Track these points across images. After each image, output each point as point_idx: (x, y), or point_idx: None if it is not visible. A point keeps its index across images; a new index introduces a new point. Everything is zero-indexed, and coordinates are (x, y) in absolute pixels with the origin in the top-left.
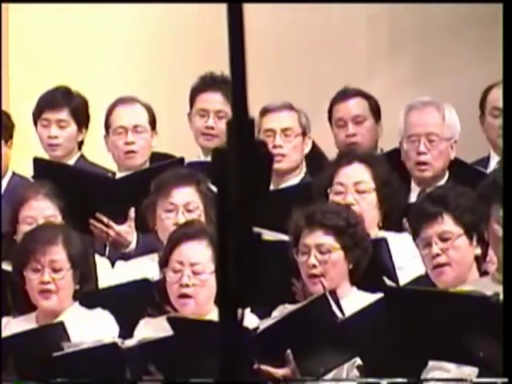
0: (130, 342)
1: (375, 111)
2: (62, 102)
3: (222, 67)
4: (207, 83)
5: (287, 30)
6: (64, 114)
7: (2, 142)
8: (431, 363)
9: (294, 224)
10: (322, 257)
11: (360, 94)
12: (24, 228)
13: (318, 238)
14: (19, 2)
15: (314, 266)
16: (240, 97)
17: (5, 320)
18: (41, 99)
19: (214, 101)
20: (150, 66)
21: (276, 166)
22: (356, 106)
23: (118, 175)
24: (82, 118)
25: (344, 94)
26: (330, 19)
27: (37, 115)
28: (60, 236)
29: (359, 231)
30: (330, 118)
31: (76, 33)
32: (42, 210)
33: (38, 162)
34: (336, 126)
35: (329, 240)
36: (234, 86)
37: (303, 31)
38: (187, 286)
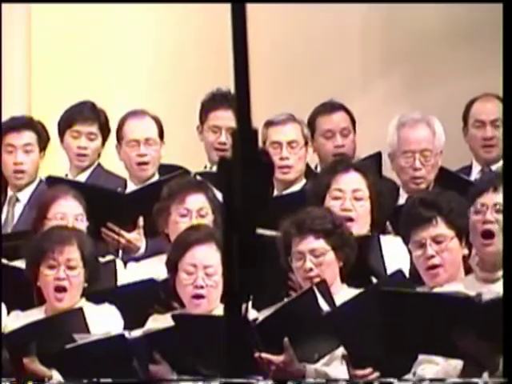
0: (136, 333)
1: (354, 125)
2: (93, 116)
3: (226, 82)
4: (218, 101)
5: (282, 43)
6: (94, 128)
7: (37, 149)
8: (421, 357)
9: (284, 232)
10: (317, 260)
11: (343, 108)
12: (54, 224)
13: (310, 243)
14: (20, 3)
15: (311, 270)
16: (244, 109)
17: (14, 314)
18: (70, 112)
19: (226, 118)
20: (154, 76)
21: (283, 176)
22: (343, 119)
23: (129, 183)
24: (105, 132)
25: (331, 108)
26: (324, 31)
27: (66, 126)
28: (74, 237)
29: (345, 231)
30: (311, 128)
31: (85, 43)
32: (72, 208)
33: (51, 179)
34: (323, 137)
35: (320, 243)
36: (238, 99)
37: (297, 44)
38: (202, 287)
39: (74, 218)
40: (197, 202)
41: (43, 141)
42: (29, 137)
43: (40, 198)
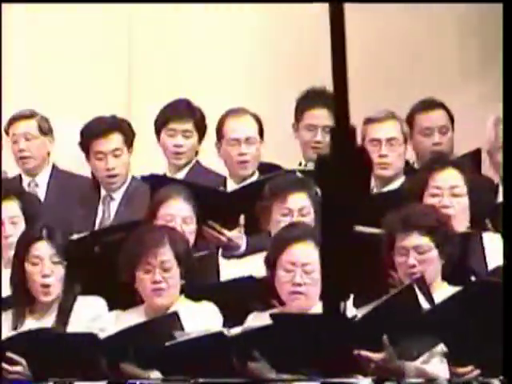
0: (235, 330)
1: (452, 123)
2: (187, 113)
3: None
4: (313, 99)
5: (380, 40)
6: (190, 125)
7: (125, 149)
8: None
9: (389, 227)
10: (421, 256)
11: (442, 105)
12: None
13: (415, 239)
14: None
15: (414, 266)
16: (342, 107)
17: (115, 313)
18: (165, 110)
19: (322, 117)
20: (251, 74)
21: (382, 173)
22: (442, 117)
23: (229, 181)
24: (202, 129)
25: (430, 105)
26: (421, 29)
27: (162, 125)
28: (166, 237)
29: (449, 229)
30: (409, 126)
31: (184, 41)
32: (181, 210)
33: (154, 177)
34: (421, 135)
35: (425, 240)
36: (337, 97)
37: (395, 42)
38: (300, 284)
39: (183, 221)
40: (298, 200)
41: (130, 139)
42: (116, 141)
43: (141, 196)
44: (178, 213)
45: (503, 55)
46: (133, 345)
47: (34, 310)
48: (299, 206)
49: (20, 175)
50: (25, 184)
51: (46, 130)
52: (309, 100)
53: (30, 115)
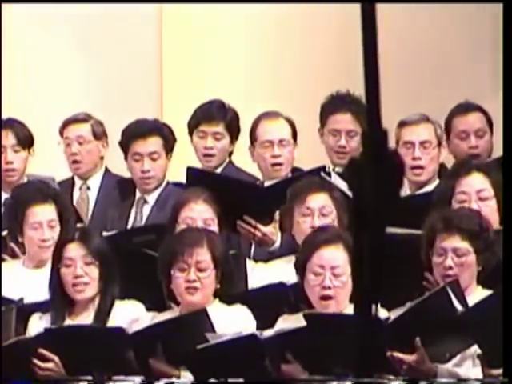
0: (268, 333)
1: (491, 126)
2: (218, 115)
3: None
4: (337, 104)
5: (414, 43)
6: (220, 128)
7: (163, 153)
8: None
9: (430, 226)
10: (459, 259)
11: (479, 109)
12: (183, 227)
13: (456, 242)
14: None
15: (451, 268)
16: (374, 110)
17: (151, 314)
18: (197, 112)
19: (345, 121)
20: (280, 78)
21: (416, 177)
22: (478, 120)
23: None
24: (234, 130)
25: (467, 108)
26: (457, 31)
27: (193, 127)
28: (205, 239)
29: (490, 235)
30: (447, 129)
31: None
32: (201, 213)
33: (191, 170)
34: (458, 138)
35: (465, 244)
36: (369, 101)
37: (429, 42)
38: (329, 288)
39: (204, 223)
40: (318, 200)
41: (170, 144)
42: (155, 144)
43: (173, 201)
44: (199, 215)
45: (503, 55)
46: (161, 341)
47: (73, 313)
48: (319, 205)
49: (73, 177)
50: (77, 187)
51: (99, 135)
52: (332, 105)
53: (85, 119)
